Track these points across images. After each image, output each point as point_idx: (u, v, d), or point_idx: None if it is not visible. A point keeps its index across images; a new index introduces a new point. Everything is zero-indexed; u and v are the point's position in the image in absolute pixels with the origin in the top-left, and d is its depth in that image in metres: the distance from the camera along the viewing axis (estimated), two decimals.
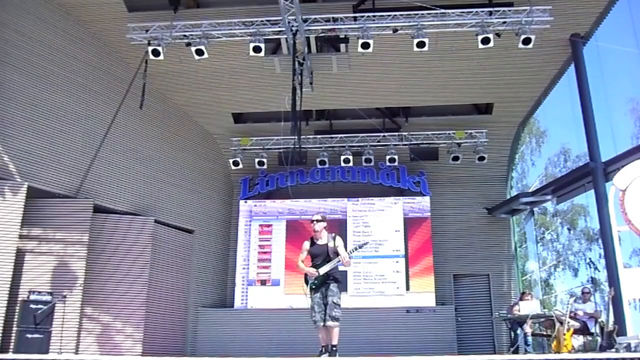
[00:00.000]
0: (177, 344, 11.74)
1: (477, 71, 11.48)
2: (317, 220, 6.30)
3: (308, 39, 10.09)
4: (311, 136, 13.24)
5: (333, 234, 6.29)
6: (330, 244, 6.19)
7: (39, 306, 8.56)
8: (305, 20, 9.66)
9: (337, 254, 6.13)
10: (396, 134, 13.19)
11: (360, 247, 6.12)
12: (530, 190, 15.73)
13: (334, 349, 5.97)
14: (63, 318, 9.12)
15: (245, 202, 13.57)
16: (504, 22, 9.54)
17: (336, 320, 5.96)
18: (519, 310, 9.55)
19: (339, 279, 6.20)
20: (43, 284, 9.35)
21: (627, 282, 7.25)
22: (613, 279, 8.87)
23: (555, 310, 10.42)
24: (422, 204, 13.20)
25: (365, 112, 13.04)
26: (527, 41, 9.38)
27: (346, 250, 6.23)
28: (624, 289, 7.35)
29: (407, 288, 12.60)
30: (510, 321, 9.94)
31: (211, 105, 12.86)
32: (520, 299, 10.18)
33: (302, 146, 12.20)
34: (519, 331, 9.70)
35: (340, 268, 6.26)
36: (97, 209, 10.50)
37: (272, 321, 12.18)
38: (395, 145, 13.08)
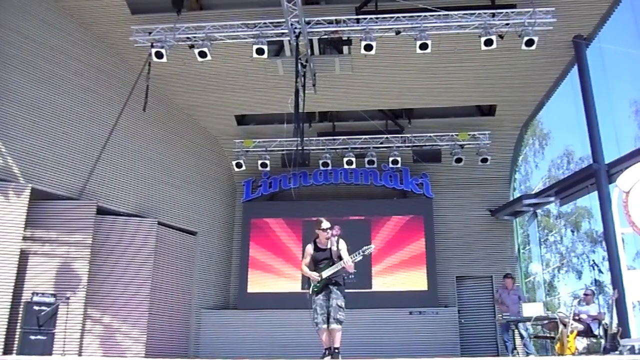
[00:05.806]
0: (180, 345, 11.76)
1: (479, 73, 11.47)
2: (330, 228, 6.27)
3: (311, 41, 10.09)
4: (314, 138, 13.22)
5: (336, 237, 6.27)
6: (334, 248, 6.18)
7: (43, 308, 8.58)
8: (308, 22, 9.66)
9: (340, 257, 6.12)
10: (399, 135, 13.18)
11: (364, 251, 6.09)
12: (533, 192, 15.70)
13: (337, 351, 5.98)
14: (66, 319, 9.15)
15: (248, 203, 13.57)
16: (507, 24, 9.52)
17: (340, 323, 5.98)
18: (502, 303, 9.87)
19: (341, 282, 6.19)
20: (46, 285, 9.38)
21: (631, 284, 7.23)
22: (617, 281, 8.84)
23: (559, 312, 10.38)
24: (425, 205, 13.19)
25: (368, 114, 13.03)
26: (530, 43, 9.35)
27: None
28: (627, 291, 7.32)
29: None
30: (506, 324, 9.89)
31: (214, 107, 12.87)
32: (505, 281, 10.41)
33: (305, 148, 12.16)
34: (516, 334, 9.72)
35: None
36: (100, 211, 10.52)
37: (275, 323, 12.17)
38: (398, 147, 13.05)
